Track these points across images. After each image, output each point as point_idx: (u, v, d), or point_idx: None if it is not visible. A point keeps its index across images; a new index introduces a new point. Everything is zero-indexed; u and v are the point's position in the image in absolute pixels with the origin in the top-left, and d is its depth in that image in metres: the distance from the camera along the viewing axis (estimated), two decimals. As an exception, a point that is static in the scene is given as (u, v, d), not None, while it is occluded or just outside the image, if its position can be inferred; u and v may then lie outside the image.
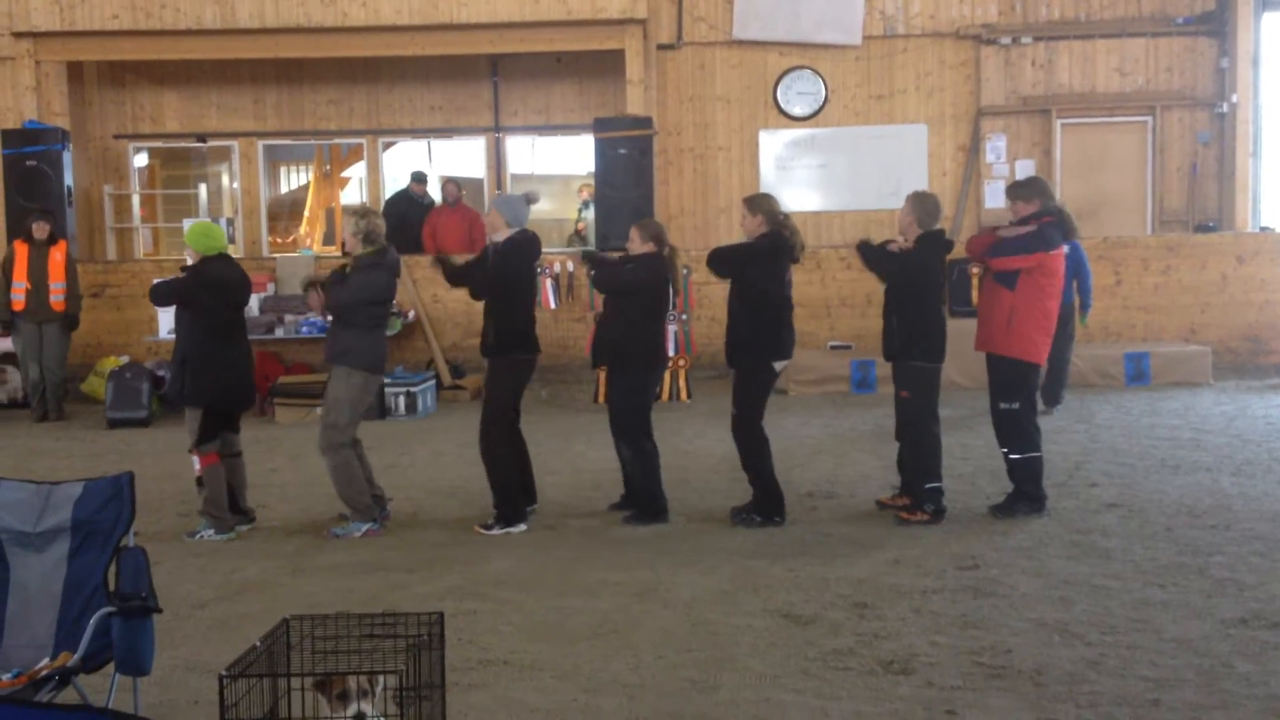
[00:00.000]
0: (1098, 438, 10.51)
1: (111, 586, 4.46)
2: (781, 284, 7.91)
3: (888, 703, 4.93)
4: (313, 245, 17.69)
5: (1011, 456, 7.89)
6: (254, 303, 13.41)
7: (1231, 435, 10.49)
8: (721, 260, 8.04)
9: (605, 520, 8.11)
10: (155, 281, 9.22)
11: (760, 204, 8.01)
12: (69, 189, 14.56)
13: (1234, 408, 11.89)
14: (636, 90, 15.05)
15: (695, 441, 10.77)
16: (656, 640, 5.72)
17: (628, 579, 6.72)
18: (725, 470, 9.35)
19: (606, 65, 15.87)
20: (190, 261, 7.93)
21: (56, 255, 13.02)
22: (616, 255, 8.49)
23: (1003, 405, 7.88)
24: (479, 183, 16.90)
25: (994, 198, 15.45)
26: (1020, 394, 7.84)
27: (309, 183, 18.89)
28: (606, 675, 5.29)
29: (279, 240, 17.71)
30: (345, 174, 18.60)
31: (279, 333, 13.80)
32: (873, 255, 8.06)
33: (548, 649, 5.63)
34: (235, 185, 17.06)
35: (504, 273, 7.89)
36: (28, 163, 14.33)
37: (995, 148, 15.82)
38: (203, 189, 17.73)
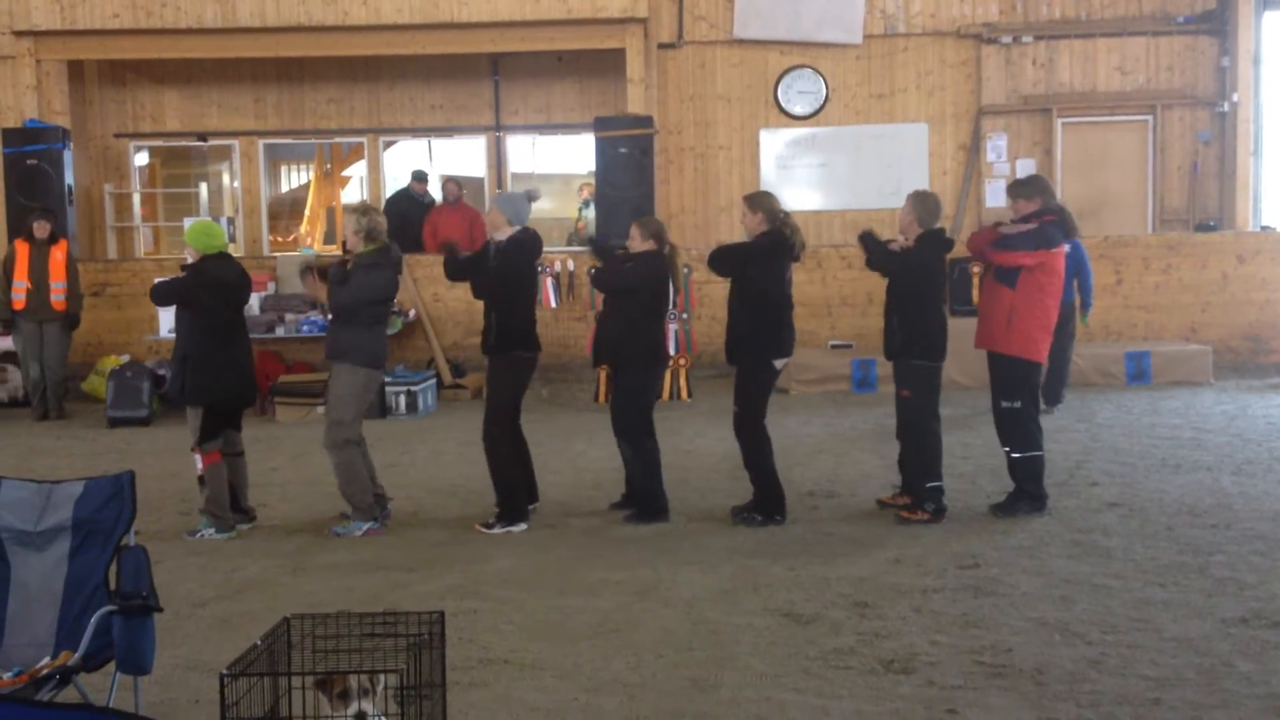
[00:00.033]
0: (1098, 437, 10.51)
1: (112, 585, 4.47)
2: (782, 282, 7.90)
3: (888, 702, 4.93)
4: (313, 244, 17.69)
5: (1013, 455, 7.89)
6: (254, 302, 13.41)
7: (1232, 434, 10.49)
8: (723, 260, 8.04)
9: (606, 519, 8.11)
10: (156, 281, 9.21)
11: (760, 202, 8.01)
12: (70, 188, 14.56)
13: (1234, 407, 11.89)
14: (637, 89, 15.04)
15: (696, 441, 10.77)
16: (657, 639, 5.72)
17: (628, 578, 6.72)
18: (726, 469, 9.35)
19: (607, 64, 15.87)
20: (190, 260, 7.93)
21: (57, 254, 13.02)
22: (619, 251, 8.46)
23: (1004, 404, 7.88)
24: (480, 182, 16.89)
25: (995, 197, 15.44)
26: (1022, 392, 7.84)
27: (309, 182, 18.90)
28: (607, 674, 5.30)
29: (279, 239, 17.71)
30: (346, 173, 18.61)
31: (279, 332, 13.80)
32: (874, 249, 8.05)
33: (548, 648, 5.63)
34: (236, 184, 17.06)
35: (505, 271, 7.88)
36: (28, 162, 14.33)
37: (996, 147, 15.81)
38: (203, 188, 17.74)
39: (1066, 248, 8.07)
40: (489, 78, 16.56)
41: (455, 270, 8.28)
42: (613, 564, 7.02)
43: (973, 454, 9.75)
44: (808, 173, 16.07)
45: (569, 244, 16.85)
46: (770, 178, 15.82)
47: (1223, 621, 5.79)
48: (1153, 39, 15.69)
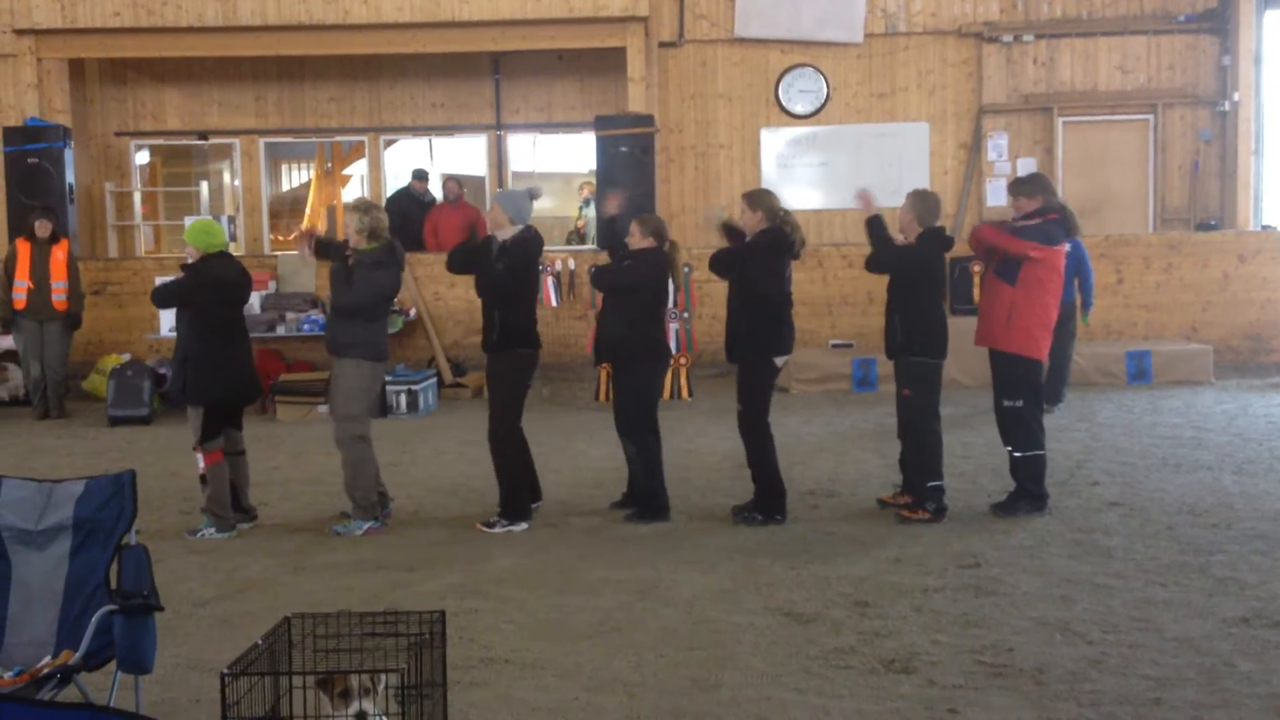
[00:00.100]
0: (1099, 436, 10.51)
1: (113, 584, 4.47)
2: (781, 280, 7.90)
3: (889, 701, 4.93)
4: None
5: (1015, 454, 7.88)
6: (255, 300, 13.41)
7: (1233, 434, 10.48)
8: (723, 261, 8.03)
9: (607, 518, 8.11)
10: (157, 282, 9.21)
11: (760, 200, 8.00)
12: (70, 186, 14.56)
13: (1235, 406, 11.88)
14: (638, 88, 15.04)
15: (696, 440, 10.77)
16: (658, 638, 5.72)
17: (629, 577, 6.72)
18: (727, 468, 9.35)
19: (608, 63, 15.86)
20: (191, 259, 7.92)
21: (58, 254, 13.01)
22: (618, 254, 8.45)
23: (1006, 403, 7.87)
24: (480, 180, 16.90)
25: (995, 196, 15.44)
26: (1024, 391, 7.83)
27: (310, 180, 18.90)
28: (608, 673, 5.30)
29: (280, 238, 17.71)
30: (346, 171, 18.61)
31: (280, 330, 13.80)
32: (878, 235, 8.02)
33: (549, 647, 5.63)
34: (236, 183, 17.07)
35: (510, 270, 7.86)
36: (29, 160, 14.33)
37: (997, 146, 15.81)
38: (204, 186, 17.74)
39: (1067, 246, 8.07)
40: (490, 76, 16.56)
41: (464, 260, 8.13)
42: (613, 563, 7.01)
43: (973, 453, 9.75)
44: (808, 172, 16.06)
45: (568, 243, 16.85)
46: (771, 176, 15.81)
47: (1224, 621, 5.79)
48: (1154, 38, 15.69)
